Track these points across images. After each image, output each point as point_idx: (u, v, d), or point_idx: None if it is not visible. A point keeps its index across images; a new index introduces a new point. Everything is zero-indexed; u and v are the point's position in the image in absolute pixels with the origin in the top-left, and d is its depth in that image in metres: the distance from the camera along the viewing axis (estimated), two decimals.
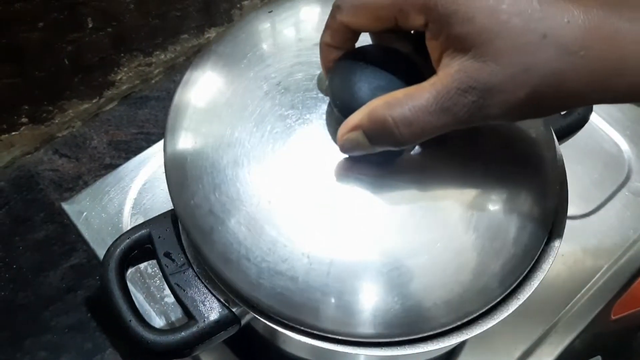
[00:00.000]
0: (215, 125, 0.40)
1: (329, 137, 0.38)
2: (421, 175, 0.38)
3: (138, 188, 0.59)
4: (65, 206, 0.58)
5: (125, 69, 0.71)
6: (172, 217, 0.41)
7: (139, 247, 0.40)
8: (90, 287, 0.61)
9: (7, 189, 0.66)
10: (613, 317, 0.57)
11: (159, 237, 0.40)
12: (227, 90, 0.41)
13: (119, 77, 0.71)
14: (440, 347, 0.38)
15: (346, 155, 0.37)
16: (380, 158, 0.37)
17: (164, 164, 0.40)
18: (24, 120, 0.66)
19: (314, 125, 0.38)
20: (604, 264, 0.58)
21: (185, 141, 0.40)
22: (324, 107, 0.39)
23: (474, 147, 0.39)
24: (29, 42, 0.61)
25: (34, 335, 0.59)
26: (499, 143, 0.40)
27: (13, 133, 0.66)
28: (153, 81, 0.75)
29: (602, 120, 0.66)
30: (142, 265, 0.53)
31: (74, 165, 0.68)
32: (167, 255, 0.40)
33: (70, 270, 0.62)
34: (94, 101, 0.70)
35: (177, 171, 0.39)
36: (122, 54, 0.70)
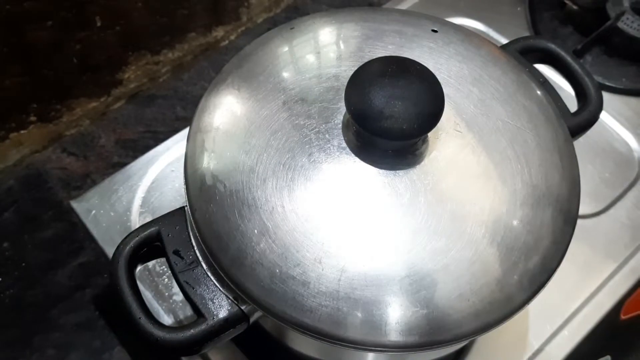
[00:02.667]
0: (233, 133, 0.40)
1: (344, 145, 0.38)
2: (438, 182, 0.38)
3: (146, 186, 0.59)
4: (74, 204, 0.58)
5: (133, 67, 0.71)
6: (181, 215, 0.41)
7: (148, 244, 0.40)
8: (98, 285, 0.61)
9: (15, 187, 0.66)
10: (623, 317, 0.56)
11: (169, 234, 0.40)
12: (245, 101, 0.41)
13: (126, 76, 0.71)
14: (448, 351, 0.38)
15: (361, 163, 0.38)
16: (395, 161, 0.37)
17: (184, 167, 0.40)
18: (33, 118, 0.66)
19: (330, 134, 0.39)
20: (614, 263, 0.57)
21: (204, 147, 0.40)
22: (339, 118, 0.39)
23: (492, 154, 0.39)
24: (38, 41, 0.61)
25: (42, 332, 0.59)
26: (518, 150, 0.40)
27: (22, 131, 0.66)
28: (161, 80, 0.75)
29: (612, 119, 0.66)
30: (150, 264, 0.53)
31: (82, 163, 0.68)
32: (177, 253, 0.40)
33: (79, 268, 0.62)
34: (102, 100, 0.71)
35: (196, 177, 0.40)
36: (130, 53, 0.70)
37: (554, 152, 0.41)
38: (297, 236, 0.36)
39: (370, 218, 0.37)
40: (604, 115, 0.65)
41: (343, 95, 0.37)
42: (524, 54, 0.48)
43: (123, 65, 0.70)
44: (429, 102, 0.36)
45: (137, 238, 0.40)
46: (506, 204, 0.39)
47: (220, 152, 0.40)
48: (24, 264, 0.62)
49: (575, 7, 0.71)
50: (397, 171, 0.38)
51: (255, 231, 0.37)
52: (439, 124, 0.37)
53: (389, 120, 0.35)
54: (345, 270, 0.36)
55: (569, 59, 0.47)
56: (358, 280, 0.36)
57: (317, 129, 0.39)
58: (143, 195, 0.59)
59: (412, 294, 0.36)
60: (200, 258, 0.40)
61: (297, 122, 0.40)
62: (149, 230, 0.40)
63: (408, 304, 0.36)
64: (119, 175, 0.60)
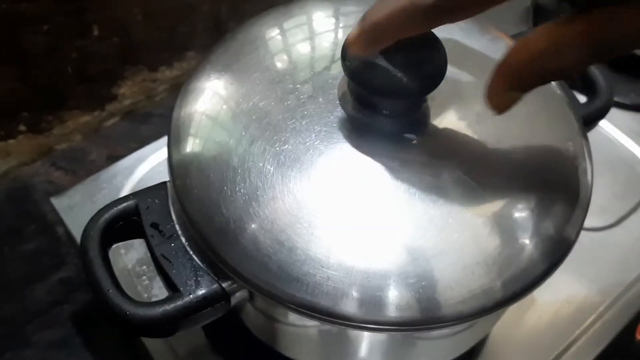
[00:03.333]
0: (222, 107, 0.38)
1: (342, 113, 0.36)
2: (441, 151, 0.36)
3: (132, 186, 0.56)
4: (54, 200, 0.55)
5: (130, 82, 0.70)
6: (162, 189, 0.38)
7: (125, 218, 0.37)
8: (78, 302, 0.58)
9: None
10: (639, 337, 0.52)
11: (147, 207, 0.37)
12: (233, 80, 0.39)
13: (122, 91, 0.70)
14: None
15: (360, 131, 0.35)
16: (396, 129, 0.35)
17: (167, 140, 0.38)
18: (23, 128, 0.65)
19: (327, 105, 0.36)
20: (628, 278, 0.53)
21: (190, 120, 0.39)
22: (335, 91, 0.37)
23: (497, 125, 0.36)
24: (33, 45, 0.60)
25: (13, 349, 0.55)
26: (525, 123, 0.37)
27: (10, 141, 0.65)
28: (157, 98, 0.73)
29: (621, 134, 0.64)
30: (129, 264, 0.50)
31: (71, 178, 0.66)
32: (155, 226, 0.36)
33: (59, 283, 0.59)
34: (95, 114, 0.69)
35: (179, 146, 0.37)
36: (127, 67, 0.68)
37: (565, 130, 0.38)
38: (287, 200, 0.33)
39: (367, 186, 0.34)
40: (613, 130, 0.63)
41: (338, 70, 0.35)
42: None
43: (119, 79, 0.69)
44: (431, 57, 0.34)
45: (112, 210, 0.37)
46: (510, 181, 0.36)
47: (206, 126, 0.38)
48: (1, 277, 0.59)
49: None
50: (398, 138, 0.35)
51: (242, 199, 0.34)
52: (441, 90, 0.35)
53: (388, 74, 0.33)
54: (337, 237, 0.32)
55: None
56: (350, 247, 0.32)
57: (313, 100, 0.37)
58: None
59: (409, 267, 0.32)
60: (180, 232, 0.36)
61: (289, 97, 0.37)
62: (126, 203, 0.37)
63: (405, 277, 0.32)
64: (105, 174, 0.57)
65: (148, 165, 0.58)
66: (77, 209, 0.55)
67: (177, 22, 0.69)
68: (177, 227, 0.37)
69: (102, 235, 0.36)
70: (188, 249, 0.36)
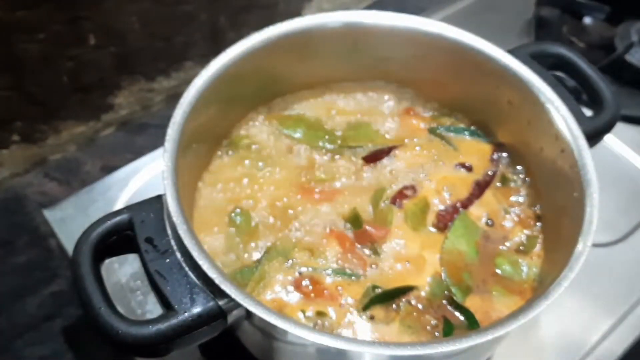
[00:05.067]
0: None
1: None
2: None
3: (126, 199, 0.55)
4: (47, 213, 0.54)
5: (126, 92, 0.68)
6: (157, 203, 0.37)
7: (118, 233, 0.36)
8: (69, 316, 0.56)
9: None
10: None
11: (142, 221, 0.36)
12: None
13: (118, 101, 0.69)
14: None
15: None
16: None
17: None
18: (16, 138, 0.63)
19: None
20: (635, 295, 0.52)
21: None
22: None
23: None
24: (28, 53, 0.59)
25: None
26: None
27: (3, 151, 0.63)
28: (154, 109, 0.72)
29: (626, 147, 0.62)
30: (123, 279, 0.48)
31: (64, 189, 0.65)
32: (149, 240, 0.35)
33: (50, 297, 0.58)
34: (90, 124, 0.68)
35: None
36: (123, 76, 0.67)
37: None
38: None
39: None
40: (617, 144, 0.62)
41: None
42: (535, 59, 0.45)
43: (115, 89, 0.68)
44: None
45: (105, 224, 0.35)
46: None
47: None
48: None
49: (582, 44, 0.70)
50: None
51: None
52: None
53: None
54: None
55: (582, 63, 0.44)
56: None
57: None
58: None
59: None
60: (175, 247, 0.35)
61: None
62: (119, 217, 0.36)
63: None
64: (99, 186, 0.56)
65: (143, 176, 0.57)
66: (70, 221, 0.53)
67: (175, 31, 0.68)
68: (172, 242, 0.35)
69: (94, 250, 0.35)
70: (183, 264, 0.35)
